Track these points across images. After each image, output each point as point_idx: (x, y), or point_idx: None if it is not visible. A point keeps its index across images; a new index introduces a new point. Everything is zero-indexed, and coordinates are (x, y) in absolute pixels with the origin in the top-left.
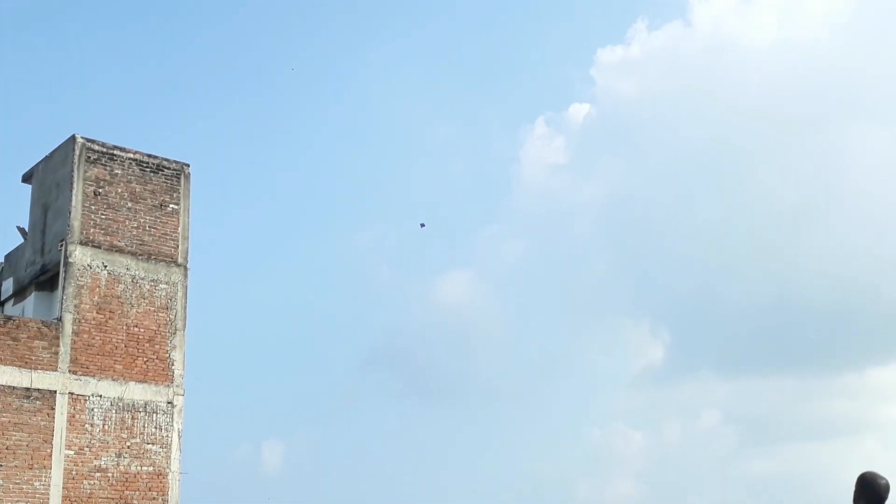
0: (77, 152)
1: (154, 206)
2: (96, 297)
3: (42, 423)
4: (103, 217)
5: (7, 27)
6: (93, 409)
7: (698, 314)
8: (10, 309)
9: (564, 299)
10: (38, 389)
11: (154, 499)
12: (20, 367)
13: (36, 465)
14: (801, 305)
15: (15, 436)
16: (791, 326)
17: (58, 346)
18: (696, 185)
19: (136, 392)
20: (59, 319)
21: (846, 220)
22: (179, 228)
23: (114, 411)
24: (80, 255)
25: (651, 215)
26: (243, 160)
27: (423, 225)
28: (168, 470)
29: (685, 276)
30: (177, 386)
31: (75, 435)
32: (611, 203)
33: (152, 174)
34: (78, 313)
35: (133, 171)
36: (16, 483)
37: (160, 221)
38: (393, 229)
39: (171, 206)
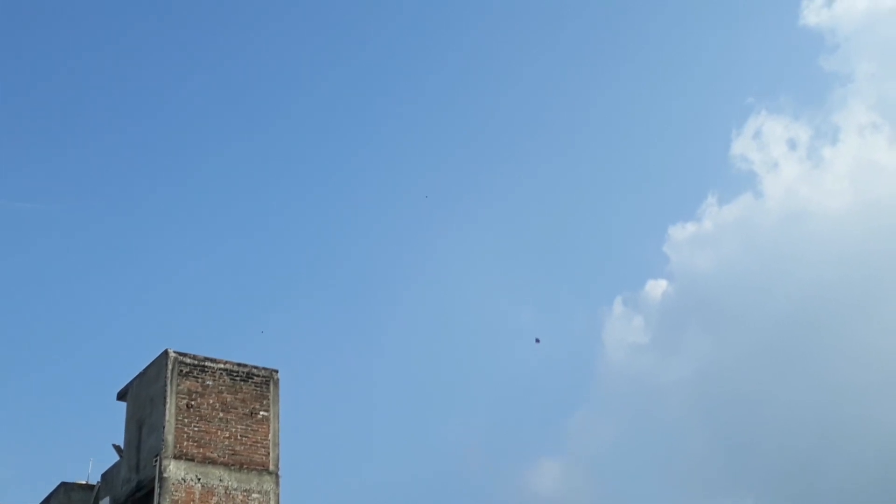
0: (170, 367)
1: (245, 414)
2: None
3: None
4: (196, 429)
5: (91, 255)
6: None
7: (802, 490)
8: None
9: (662, 481)
10: None
11: None
12: None
13: None
14: None
15: None
16: None
17: None
18: (785, 356)
19: None
20: None
21: None
22: (270, 435)
23: None
24: (174, 470)
25: (744, 391)
26: (325, 358)
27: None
28: None
29: (785, 451)
30: None
31: None
32: (700, 380)
33: (242, 382)
34: None
35: (224, 381)
36: None
37: (251, 430)
38: (479, 419)
39: (261, 413)
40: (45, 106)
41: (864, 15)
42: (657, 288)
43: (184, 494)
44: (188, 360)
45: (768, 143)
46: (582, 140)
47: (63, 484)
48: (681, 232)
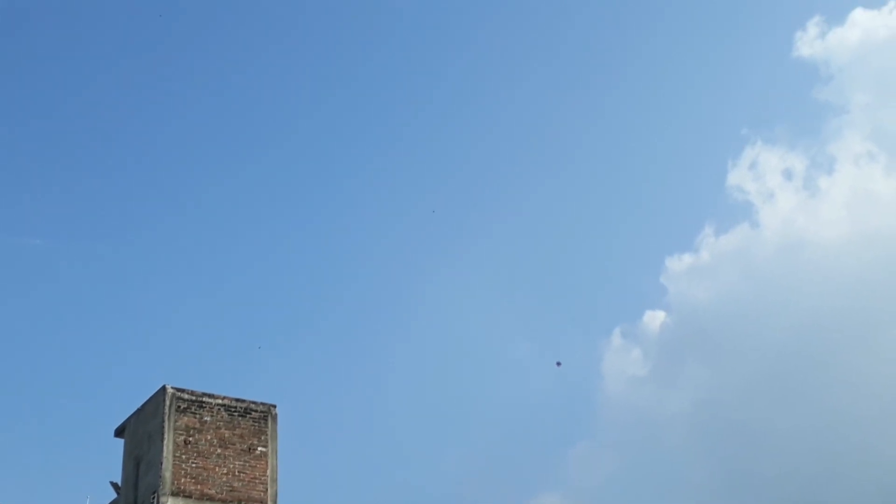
0: (168, 403)
1: (243, 450)
2: None
3: None
4: (194, 465)
5: (89, 290)
6: None
7: None
8: None
9: None
10: None
11: None
12: None
13: None
14: None
15: None
16: None
17: None
18: (784, 386)
19: None
20: None
21: None
22: (268, 471)
23: None
24: None
25: (743, 421)
26: (322, 393)
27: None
28: None
29: (785, 481)
30: None
31: None
32: (699, 411)
33: (240, 418)
34: None
35: (222, 417)
36: None
37: (249, 465)
38: (478, 451)
39: (259, 448)
40: (42, 142)
41: (858, 46)
42: (655, 319)
43: None
44: (186, 396)
45: (764, 173)
46: (579, 172)
47: None
48: (678, 263)
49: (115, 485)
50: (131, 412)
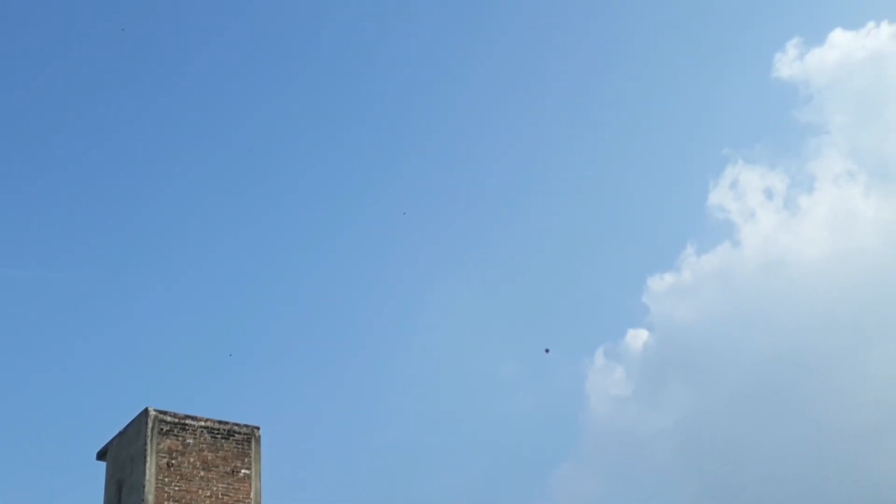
0: (150, 425)
1: (226, 472)
2: None
3: None
4: (177, 489)
5: (76, 298)
6: None
7: None
8: None
9: None
10: None
11: None
12: None
13: None
14: None
15: None
16: None
17: None
18: (767, 404)
19: None
20: None
21: None
22: (252, 494)
23: None
24: None
25: (728, 439)
26: (306, 415)
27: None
28: None
29: (770, 500)
30: None
31: None
32: (683, 430)
33: (223, 440)
34: None
35: (205, 439)
36: None
37: (232, 488)
38: (461, 474)
39: (242, 471)
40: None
41: (836, 67)
42: (638, 339)
43: None
44: (168, 419)
45: (745, 192)
46: (560, 192)
47: None
48: (660, 282)
49: None
50: (113, 435)
